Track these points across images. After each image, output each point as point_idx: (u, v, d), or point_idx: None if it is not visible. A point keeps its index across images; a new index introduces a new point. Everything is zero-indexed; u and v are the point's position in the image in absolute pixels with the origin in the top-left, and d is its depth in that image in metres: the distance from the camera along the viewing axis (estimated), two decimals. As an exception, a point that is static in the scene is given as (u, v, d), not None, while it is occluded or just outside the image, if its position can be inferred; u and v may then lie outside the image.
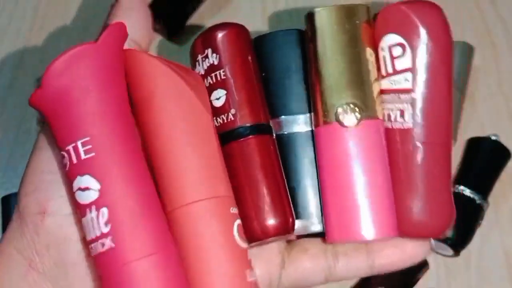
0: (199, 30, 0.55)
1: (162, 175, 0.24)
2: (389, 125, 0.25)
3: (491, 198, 0.45)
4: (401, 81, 0.25)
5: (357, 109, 0.25)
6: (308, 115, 0.27)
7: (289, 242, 0.29)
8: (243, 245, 0.24)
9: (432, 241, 0.43)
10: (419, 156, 0.24)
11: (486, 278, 0.44)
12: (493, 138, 0.45)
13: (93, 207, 0.21)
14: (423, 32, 0.24)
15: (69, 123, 0.22)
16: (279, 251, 0.27)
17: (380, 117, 0.25)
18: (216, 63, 0.26)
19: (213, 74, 0.26)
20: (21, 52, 0.54)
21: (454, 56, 0.49)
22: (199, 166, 0.24)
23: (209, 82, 0.26)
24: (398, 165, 0.25)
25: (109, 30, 0.23)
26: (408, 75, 0.24)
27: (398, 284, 0.41)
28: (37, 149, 0.25)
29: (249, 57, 0.27)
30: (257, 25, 0.55)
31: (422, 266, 0.42)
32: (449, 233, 0.42)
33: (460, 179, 0.45)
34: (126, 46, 0.25)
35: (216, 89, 0.26)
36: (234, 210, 0.24)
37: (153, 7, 0.53)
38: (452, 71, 0.25)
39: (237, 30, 0.27)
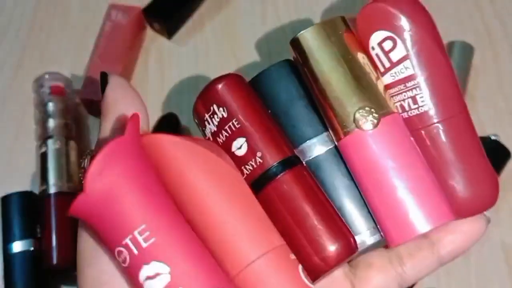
0: (199, 30, 0.55)
1: (216, 244, 0.24)
2: (405, 115, 0.26)
3: (491, 198, 0.45)
4: (402, 71, 0.25)
5: (372, 110, 0.25)
6: (324, 134, 0.27)
7: (349, 263, 0.28)
8: (311, 285, 0.24)
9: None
10: (443, 135, 0.25)
11: (486, 277, 0.44)
12: (493, 137, 0.45)
13: None
14: (404, 19, 0.25)
15: (120, 219, 0.22)
16: (344, 277, 0.27)
17: (395, 109, 0.26)
18: (225, 115, 0.26)
19: (226, 127, 0.26)
20: (21, 52, 0.55)
21: (453, 55, 0.50)
22: (247, 225, 0.24)
23: (225, 135, 0.26)
24: (428, 150, 0.25)
25: (132, 121, 0.23)
26: (407, 62, 0.25)
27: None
28: (90, 264, 0.24)
29: (254, 99, 0.27)
30: (257, 25, 0.55)
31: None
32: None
33: (460, 179, 0.45)
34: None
35: (235, 139, 0.26)
36: (293, 256, 0.24)
37: (153, 7, 0.54)
38: (442, 42, 0.26)
39: (233, 78, 0.27)
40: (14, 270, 0.43)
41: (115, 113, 0.25)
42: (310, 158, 0.27)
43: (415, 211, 0.24)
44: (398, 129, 0.25)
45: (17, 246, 0.43)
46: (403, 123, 0.26)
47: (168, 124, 0.48)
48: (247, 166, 0.26)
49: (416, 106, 0.25)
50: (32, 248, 0.43)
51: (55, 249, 0.43)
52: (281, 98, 0.28)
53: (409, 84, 0.25)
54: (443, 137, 0.25)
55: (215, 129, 0.26)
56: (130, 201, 0.22)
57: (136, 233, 0.21)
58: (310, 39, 0.26)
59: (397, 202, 0.24)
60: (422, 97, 0.25)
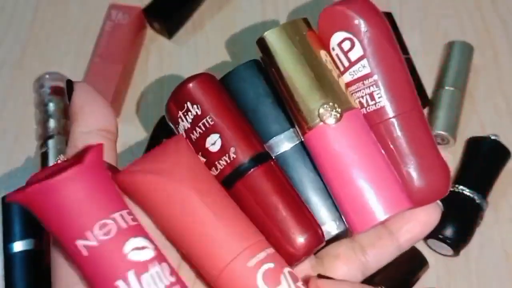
0: (199, 30, 0.55)
1: (194, 247, 0.25)
2: (364, 111, 0.28)
3: (491, 197, 0.45)
4: (360, 69, 0.27)
5: (335, 106, 0.26)
6: (290, 130, 0.28)
7: (316, 255, 0.29)
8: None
9: (432, 240, 0.43)
10: (398, 128, 0.27)
11: (486, 277, 0.44)
12: (493, 137, 0.45)
13: (155, 262, 0.23)
14: (360, 21, 0.27)
15: (107, 195, 0.24)
16: (311, 266, 0.28)
17: (355, 105, 0.28)
18: (199, 113, 0.27)
19: (200, 124, 0.27)
20: (21, 52, 0.55)
21: (453, 55, 0.50)
22: (224, 225, 0.25)
23: (199, 132, 0.27)
24: (386, 143, 0.27)
25: (92, 152, 0.24)
26: (364, 61, 0.27)
27: (398, 283, 0.41)
28: (57, 267, 0.25)
29: (226, 96, 0.28)
30: (257, 25, 0.55)
31: (422, 266, 0.42)
32: (449, 232, 0.42)
33: (460, 178, 0.45)
34: (98, 138, 0.26)
35: (209, 136, 0.27)
36: (262, 256, 0.25)
37: (153, 7, 0.54)
38: (395, 43, 0.28)
39: (205, 77, 0.28)
40: (15, 270, 0.43)
41: (82, 118, 0.26)
42: (278, 153, 0.28)
43: (374, 200, 0.26)
44: (359, 123, 0.27)
45: (18, 246, 0.43)
46: (363, 118, 0.27)
47: (168, 123, 0.48)
48: (221, 162, 0.27)
49: (374, 102, 0.27)
50: (32, 248, 0.43)
51: (56, 249, 0.43)
52: (249, 96, 0.29)
53: (366, 82, 0.27)
54: (398, 131, 0.27)
55: (189, 126, 0.27)
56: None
57: (124, 212, 0.24)
58: (275, 38, 0.28)
59: (358, 192, 0.26)
60: (378, 93, 0.27)
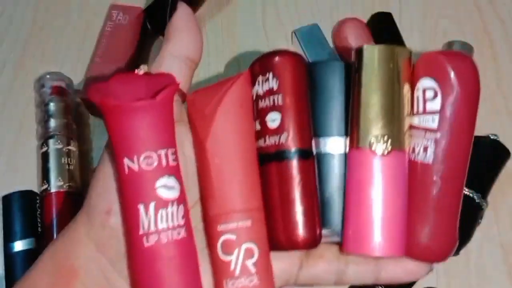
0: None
1: (209, 184, 0.28)
2: (412, 156, 0.28)
3: (490, 197, 0.45)
4: (429, 121, 0.28)
5: (389, 140, 0.28)
6: (344, 137, 0.29)
7: None
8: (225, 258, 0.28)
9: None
10: (434, 189, 0.27)
11: (485, 277, 0.44)
12: (492, 137, 0.46)
13: (175, 203, 0.26)
14: (455, 82, 0.27)
15: (162, 132, 0.27)
16: (298, 256, 0.30)
17: (407, 148, 0.28)
18: (275, 88, 0.28)
19: (271, 97, 0.28)
20: (22, 52, 0.55)
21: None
22: (239, 180, 0.28)
23: (267, 104, 0.28)
24: (415, 193, 0.28)
25: (166, 91, 0.27)
26: (436, 117, 0.27)
27: (398, 283, 0.41)
28: (105, 159, 0.28)
29: (306, 85, 0.29)
30: (257, 25, 0.55)
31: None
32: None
33: (460, 178, 0.45)
34: (183, 62, 0.29)
35: (273, 111, 0.28)
36: (231, 225, 0.28)
37: (153, 7, 0.54)
38: (475, 117, 0.28)
39: (298, 59, 0.29)
40: (16, 269, 0.43)
41: (176, 41, 0.29)
42: (323, 152, 0.29)
43: (378, 235, 0.27)
44: (400, 166, 0.28)
45: (19, 245, 0.43)
46: (407, 163, 0.28)
47: None
48: (271, 138, 0.28)
49: (424, 155, 0.28)
50: (33, 247, 0.43)
51: (56, 248, 0.43)
52: (327, 89, 0.30)
53: (428, 135, 0.28)
54: (433, 192, 0.27)
55: (262, 93, 0.28)
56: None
57: (169, 151, 0.27)
58: (372, 54, 0.28)
59: (366, 220, 0.27)
60: (432, 151, 0.27)
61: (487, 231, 0.45)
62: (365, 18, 0.53)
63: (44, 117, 0.47)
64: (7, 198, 0.45)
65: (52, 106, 0.47)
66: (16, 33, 0.56)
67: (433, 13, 0.55)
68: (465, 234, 0.43)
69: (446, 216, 0.28)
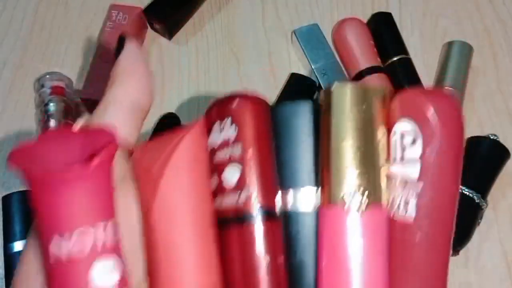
0: (199, 30, 0.55)
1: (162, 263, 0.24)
2: (392, 212, 0.25)
3: (490, 197, 0.45)
4: (409, 170, 0.24)
5: (365, 194, 0.24)
6: (315, 188, 0.26)
7: None
8: None
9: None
10: (419, 248, 0.24)
11: (485, 276, 0.44)
12: (492, 137, 0.46)
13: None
14: (436, 124, 0.23)
15: (97, 203, 0.23)
16: None
17: (385, 202, 0.25)
18: (234, 137, 0.24)
19: (229, 147, 0.24)
20: (22, 52, 0.55)
21: (452, 55, 0.50)
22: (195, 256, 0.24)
23: (224, 156, 0.25)
24: (397, 252, 0.25)
25: (103, 154, 0.22)
26: (416, 164, 0.24)
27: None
28: (32, 240, 0.24)
29: (270, 134, 0.25)
30: (257, 25, 0.55)
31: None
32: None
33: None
34: (130, 109, 0.25)
35: (231, 164, 0.24)
36: None
37: (153, 7, 0.54)
38: (460, 168, 0.24)
39: (261, 103, 0.25)
40: (15, 270, 0.43)
41: (120, 84, 0.25)
42: (291, 209, 0.25)
43: None
44: (379, 223, 0.24)
45: (18, 246, 0.43)
46: (387, 219, 0.25)
47: (168, 123, 0.48)
48: (230, 197, 0.24)
49: (405, 211, 0.24)
50: (33, 248, 0.44)
51: (56, 248, 0.43)
52: (291, 134, 0.26)
53: (408, 186, 0.24)
54: (417, 250, 0.24)
55: (219, 143, 0.25)
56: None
57: (109, 223, 0.22)
58: (343, 95, 0.25)
59: (343, 286, 0.24)
60: (414, 205, 0.24)
61: (486, 231, 0.45)
62: (365, 18, 0.53)
63: (44, 117, 0.47)
64: (7, 198, 0.45)
65: (52, 106, 0.47)
66: (16, 33, 0.56)
67: (433, 13, 0.55)
68: (464, 234, 0.43)
69: (434, 273, 0.24)
